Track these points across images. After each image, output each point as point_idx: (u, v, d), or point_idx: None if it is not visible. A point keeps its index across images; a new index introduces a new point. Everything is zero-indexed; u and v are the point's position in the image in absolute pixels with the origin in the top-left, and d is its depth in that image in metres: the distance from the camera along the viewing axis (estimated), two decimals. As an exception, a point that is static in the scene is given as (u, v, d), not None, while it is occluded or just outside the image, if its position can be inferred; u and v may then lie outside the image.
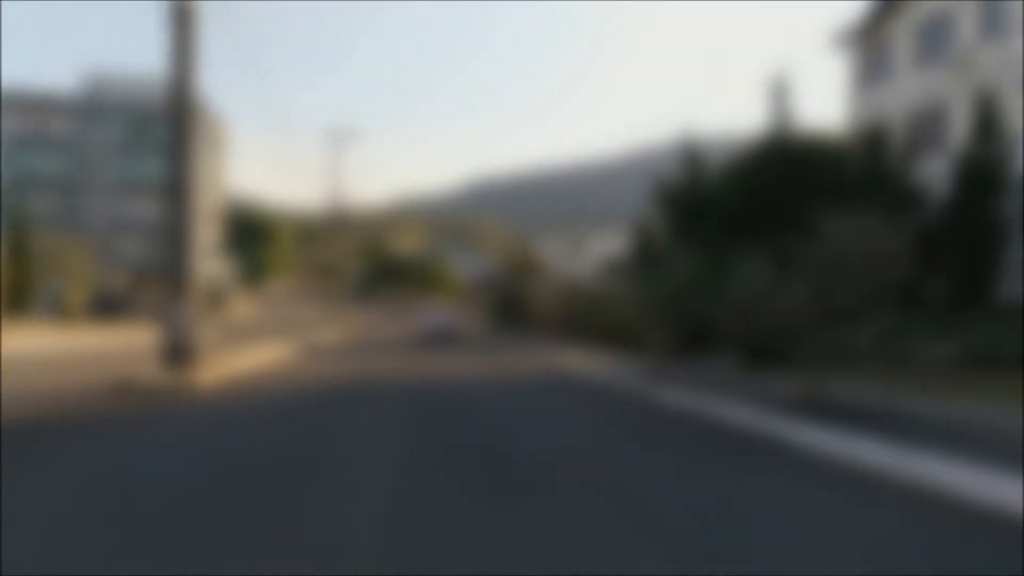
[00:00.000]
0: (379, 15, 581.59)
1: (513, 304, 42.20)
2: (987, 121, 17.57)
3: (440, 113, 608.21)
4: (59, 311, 43.02)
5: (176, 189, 13.14)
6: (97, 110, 63.85)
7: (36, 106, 63.63)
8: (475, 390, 13.21)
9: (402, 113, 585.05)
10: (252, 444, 7.41)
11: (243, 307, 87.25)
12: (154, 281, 62.88)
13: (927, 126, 22.21)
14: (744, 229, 13.72)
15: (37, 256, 44.24)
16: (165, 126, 66.84)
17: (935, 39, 22.66)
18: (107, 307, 52.69)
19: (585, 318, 26.01)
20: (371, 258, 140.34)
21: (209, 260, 75.71)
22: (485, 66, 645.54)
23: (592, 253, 65.35)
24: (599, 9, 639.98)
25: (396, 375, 16.22)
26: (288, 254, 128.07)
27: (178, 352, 12.87)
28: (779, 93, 16.15)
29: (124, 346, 21.48)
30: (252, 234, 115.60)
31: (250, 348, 21.69)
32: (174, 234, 13.18)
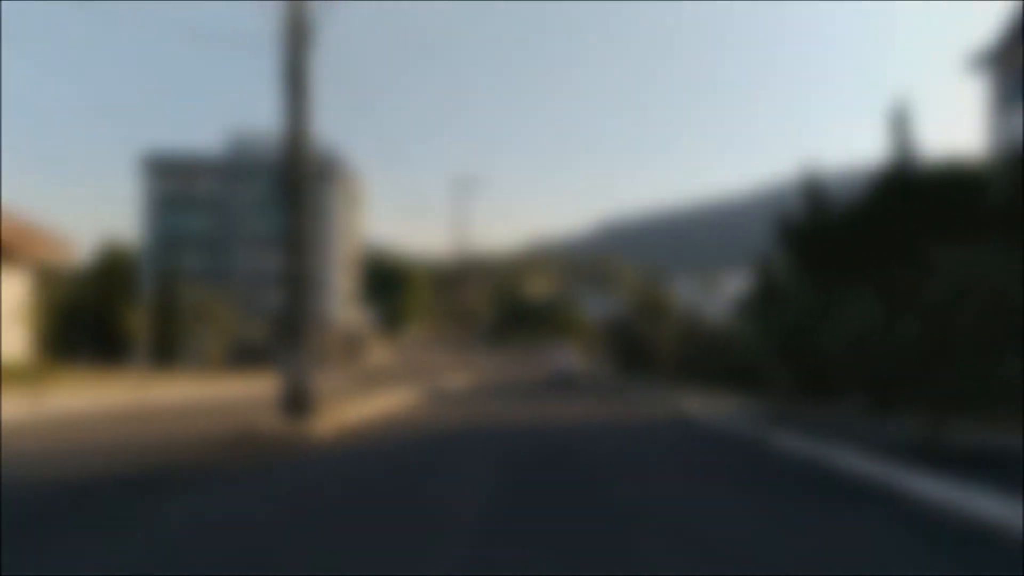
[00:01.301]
0: (500, 58, 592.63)
1: (637, 346, 41.66)
2: None
3: (570, 155, 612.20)
4: (201, 361, 45.17)
5: (292, 242, 13.57)
6: (240, 169, 67.30)
7: (186, 169, 67.63)
8: (583, 436, 12.97)
9: (532, 156, 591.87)
10: (344, 494, 7.43)
11: (380, 353, 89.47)
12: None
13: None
14: (864, 265, 13.04)
15: (184, 309, 46.76)
16: (309, 185, 69.91)
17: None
18: (246, 356, 55.01)
19: (708, 360, 25.37)
20: (503, 303, 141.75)
21: (347, 308, 78.26)
22: (611, 108, 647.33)
23: (725, 293, 63.90)
24: (722, 47, 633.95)
25: (511, 420, 16.14)
26: (424, 301, 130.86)
27: (296, 401, 13.18)
28: (902, 121, 15.36)
29: (255, 394, 22.24)
30: (389, 282, 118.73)
31: (376, 394, 22.10)
32: (290, 285, 13.59)
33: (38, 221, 27.77)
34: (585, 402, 22.56)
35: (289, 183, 13.60)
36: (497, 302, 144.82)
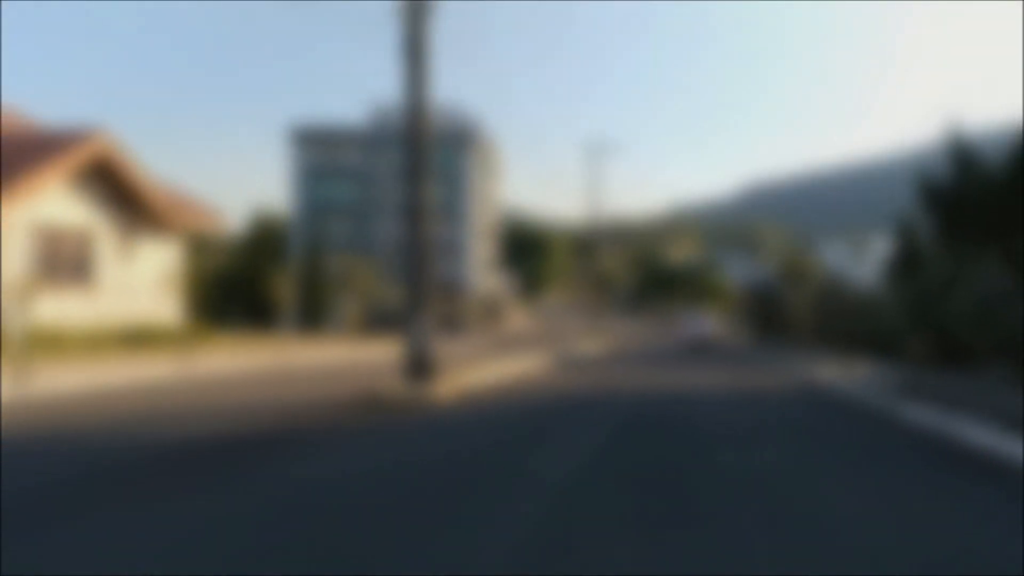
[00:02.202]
0: (640, 21, 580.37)
1: (775, 312, 40.47)
2: None
3: (713, 117, 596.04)
4: (344, 326, 46.85)
5: (414, 210, 13.86)
6: (381, 140, 68.94)
7: (330, 140, 69.81)
8: (702, 404, 12.76)
9: (673, 119, 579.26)
10: (445, 457, 7.59)
11: (518, 319, 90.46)
12: (433, 295, 66.89)
13: None
14: (1009, 229, 12.16)
15: (329, 276, 48.57)
16: (442, 151, 71.30)
17: None
18: (386, 321, 56.65)
19: (848, 326, 24.40)
20: (643, 268, 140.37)
21: (486, 275, 79.39)
22: (753, 69, 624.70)
23: (873, 258, 61.09)
24: (868, 9, 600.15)
25: (633, 387, 16.05)
26: (562, 267, 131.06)
27: (418, 366, 13.51)
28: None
29: (388, 358, 22.87)
30: (528, 248, 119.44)
31: (505, 359, 22.38)
32: (412, 253, 13.89)
33: (190, 193, 29.38)
34: (714, 369, 22.15)
35: (411, 152, 13.86)
36: (637, 267, 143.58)
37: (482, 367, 18.91)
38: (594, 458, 7.60)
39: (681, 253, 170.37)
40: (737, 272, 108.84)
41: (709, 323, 42.87)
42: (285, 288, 35.85)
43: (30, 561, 4.14)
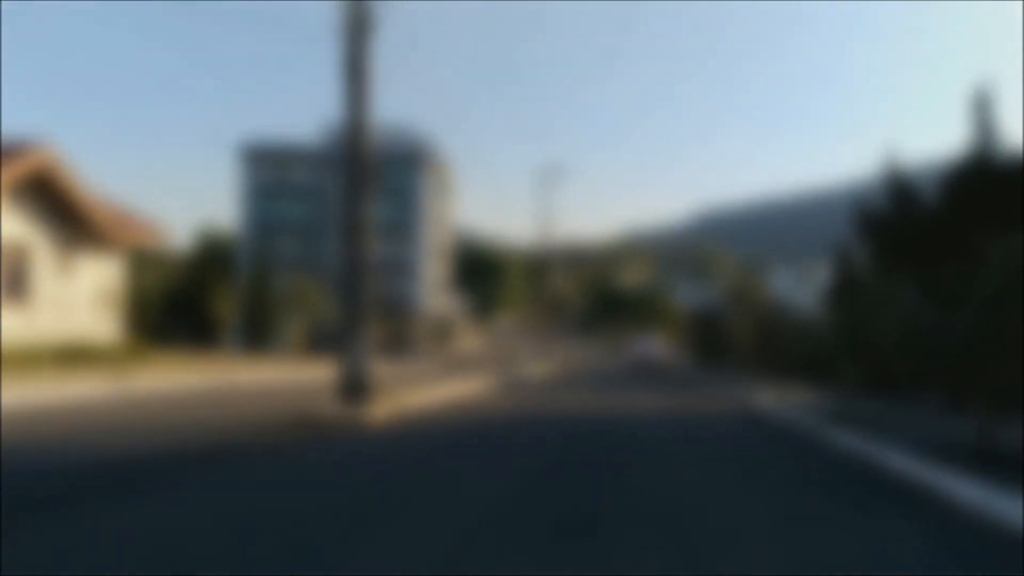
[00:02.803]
0: (596, 47, 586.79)
1: (719, 337, 40.96)
2: None
3: (665, 145, 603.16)
4: (288, 345, 46.35)
5: (352, 230, 13.77)
6: (333, 158, 68.68)
7: (280, 158, 69.37)
8: (636, 427, 12.82)
9: (626, 146, 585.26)
10: (366, 475, 7.49)
11: (470, 340, 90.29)
12: (382, 315, 66.56)
13: None
14: (940, 258, 12.46)
15: (277, 295, 48.06)
16: (394, 172, 71.21)
17: None
18: (332, 341, 56.18)
19: (789, 352, 24.75)
20: (595, 292, 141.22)
21: (438, 295, 79.20)
22: (706, 97, 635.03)
23: (818, 285, 62.16)
24: (820, 41, 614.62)
25: (572, 410, 16.08)
26: (516, 289, 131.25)
27: (353, 387, 13.38)
28: (982, 107, 14.59)
29: (328, 378, 22.67)
30: (481, 270, 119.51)
31: (448, 381, 22.28)
32: (350, 272, 13.78)
33: (134, 208, 28.94)
34: (655, 393, 22.29)
35: (350, 171, 13.79)
36: (590, 291, 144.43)
37: (423, 389, 18.79)
38: (519, 476, 7.56)
39: (633, 277, 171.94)
40: (687, 296, 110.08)
41: (656, 345, 43.31)
42: (227, 306, 35.40)
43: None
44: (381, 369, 31.55)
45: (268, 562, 4.51)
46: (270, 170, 69.91)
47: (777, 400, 17.53)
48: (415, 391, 17.60)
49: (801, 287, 68.08)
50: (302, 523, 5.56)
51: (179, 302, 42.31)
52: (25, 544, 4.81)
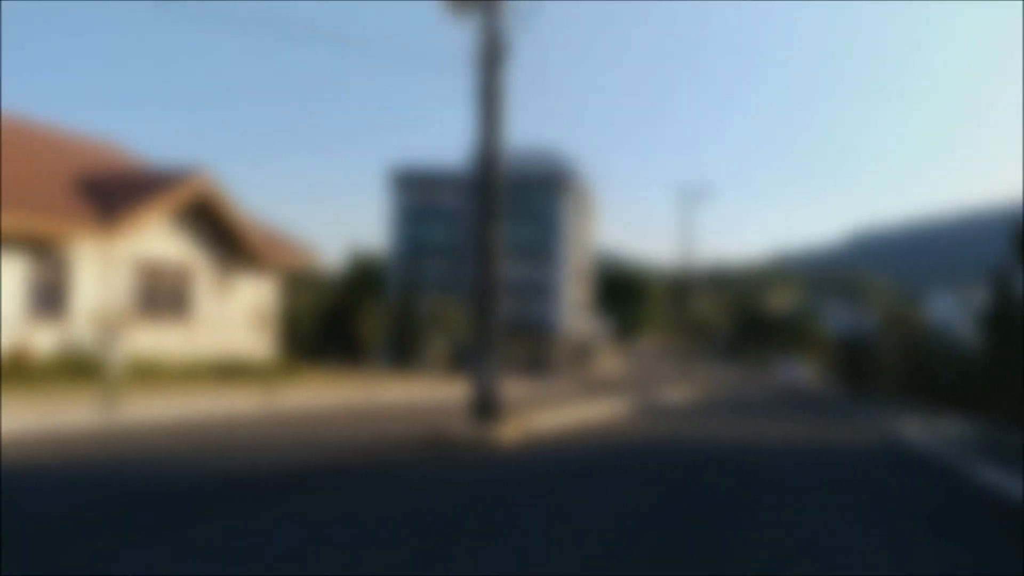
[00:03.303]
0: (742, 63, 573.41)
1: (869, 364, 39.19)
2: None
3: (818, 162, 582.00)
4: (432, 364, 47.40)
5: (484, 252, 14.09)
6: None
7: (427, 182, 71.34)
8: (776, 456, 12.51)
9: (776, 163, 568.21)
10: (492, 494, 7.65)
11: (609, 362, 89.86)
12: (523, 337, 67.16)
13: None
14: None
15: (422, 315, 49.36)
16: (535, 195, 72.01)
17: None
18: (470, 360, 57.00)
19: (938, 380, 23.49)
20: (741, 315, 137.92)
21: (578, 317, 79.30)
22: (862, 114, 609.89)
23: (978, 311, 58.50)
24: (978, 57, 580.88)
25: (712, 437, 15.85)
26: (657, 311, 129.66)
27: (484, 407, 13.63)
28: None
29: (463, 397, 23.10)
30: (623, 292, 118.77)
31: (583, 403, 22.30)
32: (481, 293, 14.09)
33: (287, 231, 30.43)
34: (796, 421, 21.61)
35: (482, 194, 14.13)
36: (735, 314, 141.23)
37: (556, 410, 18.89)
38: (622, 510, 7.56)
39: (781, 300, 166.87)
40: (836, 321, 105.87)
41: (800, 371, 42.03)
42: (374, 326, 36.62)
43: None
44: (517, 389, 31.87)
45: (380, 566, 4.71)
46: (418, 194, 72.07)
47: (925, 431, 16.69)
48: (547, 412, 17.72)
49: (960, 313, 64.30)
50: (414, 535, 5.77)
51: (331, 321, 44.14)
52: (161, 547, 5.20)
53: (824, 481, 9.94)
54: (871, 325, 63.59)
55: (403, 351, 46.58)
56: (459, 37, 14.32)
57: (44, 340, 19.93)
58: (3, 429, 11.39)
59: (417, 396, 24.54)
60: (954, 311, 68.35)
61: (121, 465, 9.29)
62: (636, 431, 16.58)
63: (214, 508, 6.72)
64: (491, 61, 13.77)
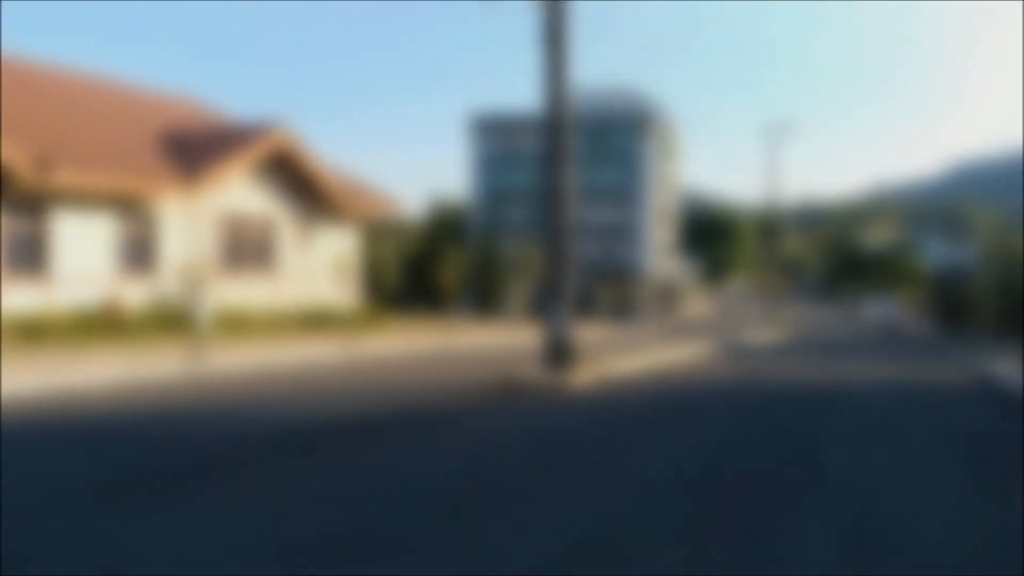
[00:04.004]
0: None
1: (965, 300, 37.66)
2: None
3: (914, 91, 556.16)
4: (513, 309, 47.54)
5: (552, 197, 13.90)
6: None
7: (508, 127, 70.90)
8: (858, 397, 12.16)
9: (869, 95, 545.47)
10: (554, 443, 7.61)
11: (698, 305, 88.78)
12: (607, 280, 66.76)
13: None
14: None
15: (505, 261, 49.46)
16: (618, 135, 70.95)
17: None
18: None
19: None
20: (835, 252, 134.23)
21: (664, 259, 78.41)
22: (963, 41, 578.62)
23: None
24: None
25: (794, 379, 15.54)
26: (748, 251, 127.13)
27: (556, 353, 13.57)
28: None
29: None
30: (711, 232, 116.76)
31: (664, 347, 22.06)
32: (551, 239, 13.94)
33: (367, 180, 30.66)
34: (886, 361, 20.96)
35: (549, 138, 13.91)
36: (828, 252, 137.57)
37: (633, 355, 18.72)
38: (691, 451, 7.42)
39: (878, 237, 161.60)
40: (937, 257, 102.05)
41: (892, 310, 40.85)
42: (455, 274, 36.86)
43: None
44: (599, 333, 31.75)
45: (447, 512, 4.71)
46: (498, 139, 71.82)
47: (1019, 370, 15.96)
48: (624, 356, 17.57)
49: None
50: (470, 480, 5.76)
51: (413, 270, 44.63)
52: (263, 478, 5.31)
53: (903, 426, 9.58)
54: (972, 259, 61.19)
55: (485, 297, 46.84)
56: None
57: (135, 294, 20.63)
58: (101, 379, 11.87)
59: (496, 342, 24.66)
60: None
61: (203, 413, 9.61)
62: (716, 374, 16.32)
63: (286, 454, 6.87)
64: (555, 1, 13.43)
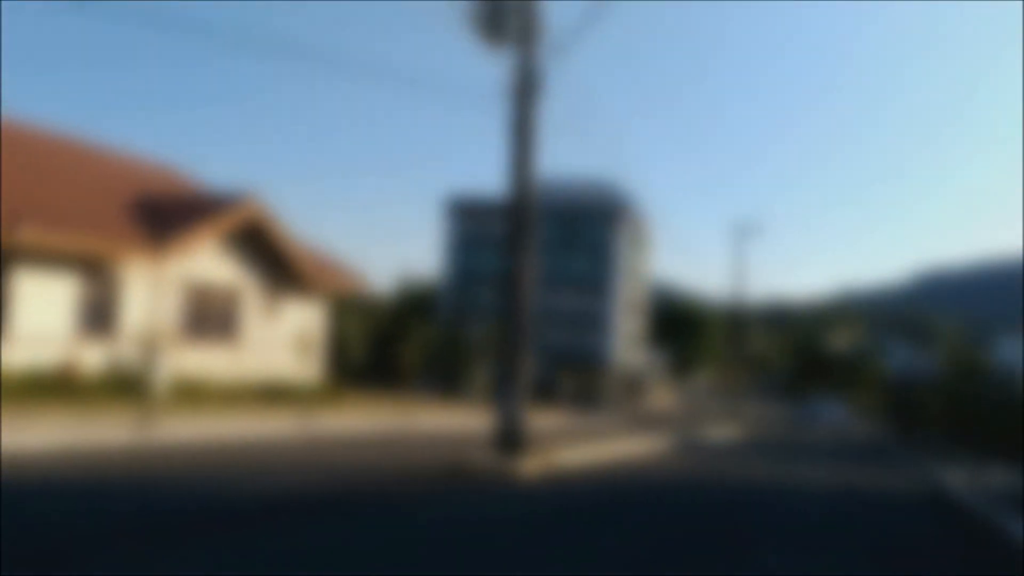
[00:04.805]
0: (798, 94, 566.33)
1: (921, 407, 38.15)
2: None
3: (884, 198, 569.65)
4: (477, 391, 47.43)
5: (510, 282, 14.13)
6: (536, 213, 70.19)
7: (481, 211, 71.78)
8: (801, 500, 12.26)
9: (842, 199, 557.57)
10: (494, 531, 7.64)
11: (662, 397, 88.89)
12: (573, 368, 66.84)
13: None
14: None
15: (471, 342, 49.53)
16: (590, 226, 72.01)
17: None
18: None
19: (989, 426, 22.74)
20: (801, 353, 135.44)
21: (631, 350, 78.74)
22: (934, 152, 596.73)
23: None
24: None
25: (743, 480, 15.65)
26: (715, 346, 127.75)
27: (507, 438, 13.60)
28: None
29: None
30: (680, 326, 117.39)
31: (619, 438, 22.10)
32: (508, 325, 14.11)
33: (336, 255, 30.86)
34: (836, 464, 21.13)
35: (511, 223, 14.21)
36: (793, 351, 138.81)
37: (589, 444, 18.76)
38: (628, 551, 7.48)
39: (843, 340, 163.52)
40: (898, 362, 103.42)
41: (842, 412, 41.75)
42: (418, 352, 36.87)
43: None
44: (559, 421, 31.73)
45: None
46: (472, 223, 72.57)
47: (968, 480, 16.18)
48: (577, 447, 17.60)
49: (1027, 357, 62.23)
50: (400, 564, 5.80)
51: (379, 346, 44.56)
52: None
53: (842, 529, 9.69)
54: (930, 366, 62.08)
55: (450, 378, 46.75)
56: (497, 71, 14.47)
57: (93, 357, 20.48)
58: (44, 443, 11.74)
59: (454, 424, 24.59)
60: (1021, 356, 66.29)
61: (135, 482, 9.53)
62: (667, 469, 16.39)
63: (213, 532, 6.84)
64: (524, 94, 13.88)
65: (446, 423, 24.97)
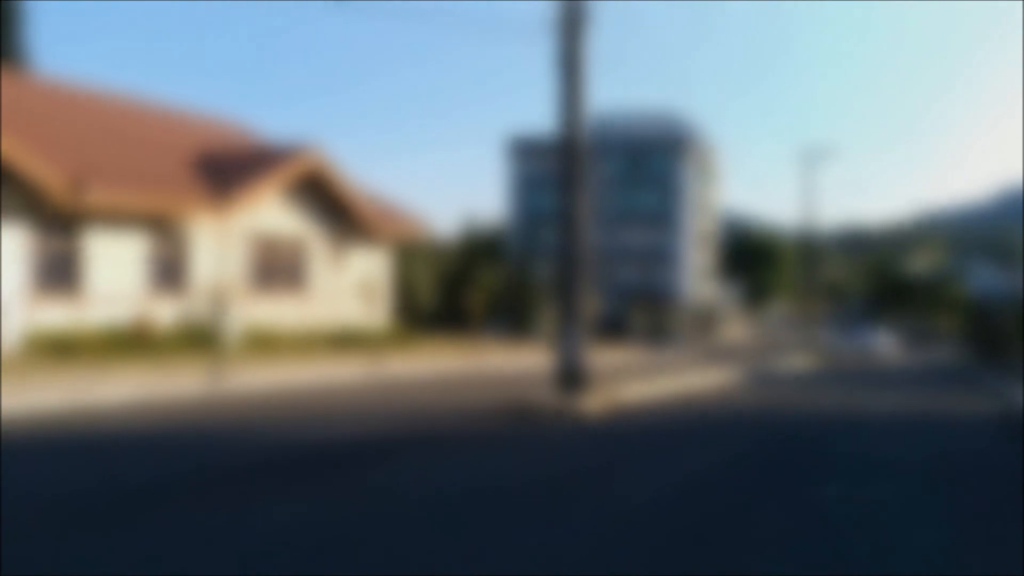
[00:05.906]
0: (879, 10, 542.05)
1: (1003, 329, 36.85)
2: None
3: (965, 116, 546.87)
4: (543, 331, 47.48)
5: (566, 221, 13.97)
6: (596, 149, 69.40)
7: (544, 150, 71.03)
8: (869, 428, 12.03)
9: (920, 118, 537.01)
10: (550, 469, 7.65)
11: (736, 330, 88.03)
12: (644, 304, 66.51)
13: None
14: None
15: (538, 282, 49.52)
16: (656, 159, 70.88)
17: None
18: (599, 328, 56.78)
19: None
20: (879, 278, 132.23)
21: (701, 283, 77.92)
22: (1012, 60, 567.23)
23: None
24: None
25: (814, 409, 15.41)
26: (789, 275, 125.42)
27: (568, 377, 13.58)
28: None
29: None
30: (754, 257, 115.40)
31: (688, 373, 21.91)
32: (564, 264, 13.99)
33: (399, 202, 30.99)
34: (914, 391, 20.64)
35: (564, 163, 14.00)
36: (871, 277, 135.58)
37: (655, 379, 18.64)
38: (686, 480, 7.42)
39: (923, 263, 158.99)
40: (981, 284, 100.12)
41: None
42: (486, 294, 36.99)
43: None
44: (628, 358, 31.65)
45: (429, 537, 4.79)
46: (536, 163, 72.00)
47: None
48: (641, 383, 17.50)
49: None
50: (456, 506, 5.83)
51: (446, 290, 44.87)
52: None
53: (915, 461, 9.45)
54: (1016, 288, 59.90)
55: (517, 319, 46.89)
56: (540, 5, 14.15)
57: (165, 312, 21.04)
58: (121, 396, 12.15)
59: (521, 364, 24.69)
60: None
61: (212, 432, 9.84)
62: (737, 401, 16.20)
63: (283, 476, 7.00)
64: (570, 28, 13.56)
65: (512, 364, 25.09)
